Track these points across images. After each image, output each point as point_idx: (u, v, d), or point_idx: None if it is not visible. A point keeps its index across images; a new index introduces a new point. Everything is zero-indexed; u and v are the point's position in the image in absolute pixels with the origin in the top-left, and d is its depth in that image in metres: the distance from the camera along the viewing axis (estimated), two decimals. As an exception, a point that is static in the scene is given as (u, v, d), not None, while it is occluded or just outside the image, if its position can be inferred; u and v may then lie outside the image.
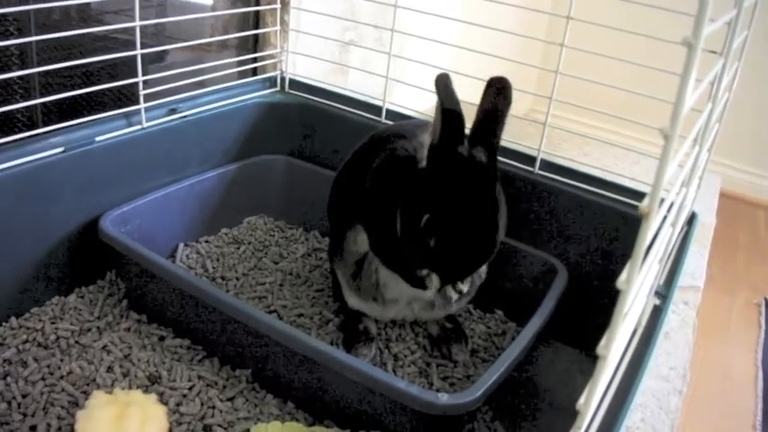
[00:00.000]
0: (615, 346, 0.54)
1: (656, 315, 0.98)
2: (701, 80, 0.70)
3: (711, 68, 0.88)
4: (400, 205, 1.10)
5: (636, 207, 1.27)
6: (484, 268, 1.29)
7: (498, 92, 1.07)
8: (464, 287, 1.11)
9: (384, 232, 1.16)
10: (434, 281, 1.10)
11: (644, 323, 0.95)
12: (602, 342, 0.53)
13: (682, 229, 1.18)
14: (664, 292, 1.03)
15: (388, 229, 1.13)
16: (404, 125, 1.30)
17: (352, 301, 1.29)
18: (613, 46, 1.35)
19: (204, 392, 1.14)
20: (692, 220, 1.25)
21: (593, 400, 0.56)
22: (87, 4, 1.53)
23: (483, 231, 1.04)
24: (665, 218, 0.77)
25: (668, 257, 1.08)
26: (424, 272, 1.10)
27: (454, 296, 1.13)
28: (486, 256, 1.07)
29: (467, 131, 1.06)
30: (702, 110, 0.91)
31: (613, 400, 0.78)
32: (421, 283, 1.13)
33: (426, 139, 1.16)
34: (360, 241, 1.23)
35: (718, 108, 1.00)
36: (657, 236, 0.74)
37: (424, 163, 1.09)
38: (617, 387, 0.80)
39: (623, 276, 0.51)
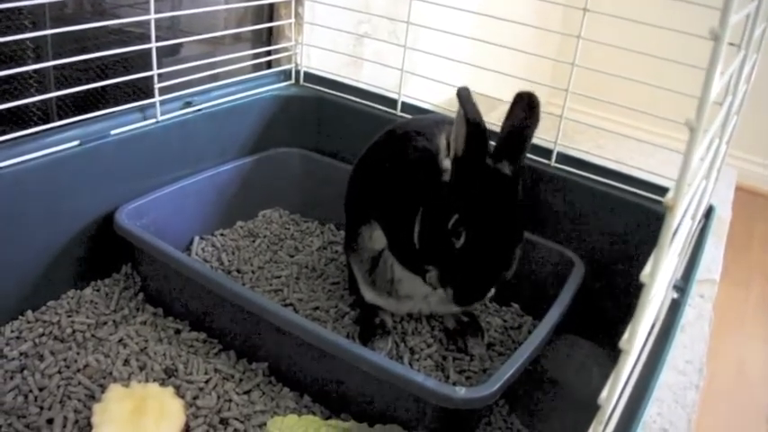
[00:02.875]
0: (637, 340, 0.54)
1: (675, 309, 0.97)
2: (723, 72, 0.69)
3: (730, 61, 0.88)
4: (422, 208, 1.10)
5: (653, 200, 1.28)
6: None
7: (527, 108, 1.07)
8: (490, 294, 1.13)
9: (402, 232, 1.15)
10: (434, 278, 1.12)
11: (662, 317, 0.94)
12: (625, 336, 0.53)
13: (699, 222, 1.18)
14: (682, 286, 1.02)
15: (406, 229, 1.13)
16: (423, 121, 1.29)
17: (368, 295, 1.29)
18: (627, 38, 1.34)
19: (221, 386, 1.14)
20: (709, 213, 1.25)
21: (615, 394, 0.55)
22: (102, -3, 1.53)
23: (508, 237, 1.05)
24: (685, 211, 0.77)
25: (686, 251, 1.08)
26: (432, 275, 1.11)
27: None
28: (509, 262, 1.08)
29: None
30: (722, 102, 0.90)
31: (632, 394, 0.78)
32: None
33: (443, 139, 1.16)
34: (375, 238, 1.23)
35: (737, 101, 0.99)
36: (678, 229, 0.73)
37: (445, 164, 1.10)
38: (636, 381, 0.80)
39: (647, 270, 0.51)
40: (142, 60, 1.37)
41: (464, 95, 1.06)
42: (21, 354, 1.16)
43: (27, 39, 1.33)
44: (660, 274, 0.51)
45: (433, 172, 1.12)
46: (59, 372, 1.13)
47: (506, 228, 1.05)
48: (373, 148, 1.30)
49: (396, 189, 1.18)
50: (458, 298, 1.07)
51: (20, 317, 1.24)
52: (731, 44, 0.95)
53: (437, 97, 1.72)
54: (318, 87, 1.72)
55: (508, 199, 1.05)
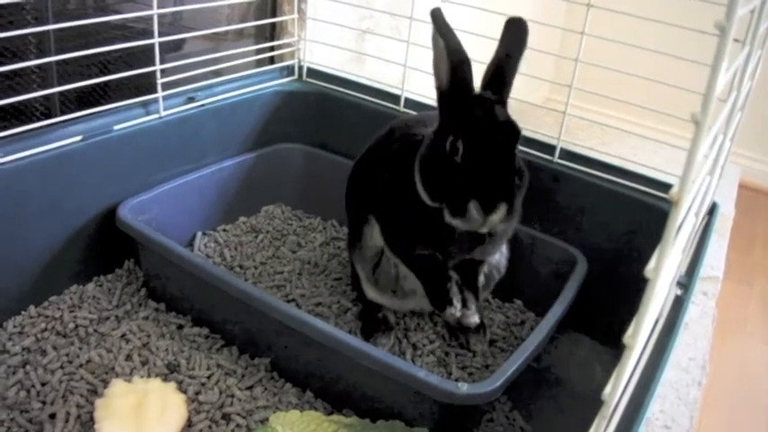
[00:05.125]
0: (642, 335, 0.53)
1: (678, 305, 0.97)
2: (728, 68, 0.69)
3: (735, 57, 0.87)
4: (418, 158, 1.09)
5: (657, 197, 1.27)
6: (504, 262, 1.28)
7: (513, 36, 1.08)
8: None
9: (398, 217, 1.15)
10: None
11: (665, 313, 0.94)
12: (629, 332, 0.53)
13: (702, 219, 1.17)
14: (685, 283, 1.02)
15: (404, 218, 1.12)
16: (421, 116, 1.29)
17: (371, 293, 1.29)
18: (631, 34, 1.34)
19: (223, 381, 1.14)
20: (713, 210, 1.24)
21: (619, 389, 0.55)
22: (105, -8, 1.53)
23: (507, 134, 1.02)
24: (689, 207, 0.77)
25: (690, 247, 1.08)
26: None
27: (473, 319, 1.14)
28: (514, 161, 1.02)
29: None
30: (726, 99, 0.90)
31: (635, 391, 0.77)
32: (442, 303, 1.14)
33: None
34: (377, 235, 1.23)
35: (741, 97, 0.99)
36: (682, 225, 0.73)
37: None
38: (639, 377, 0.80)
39: (651, 265, 0.51)
40: (145, 56, 1.37)
41: (439, 18, 1.04)
42: (23, 349, 1.16)
43: (30, 34, 1.33)
44: (664, 269, 0.51)
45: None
46: (62, 367, 1.13)
47: (502, 128, 1.01)
48: (372, 145, 1.30)
49: (392, 178, 1.17)
50: (482, 202, 0.98)
51: (22, 312, 1.24)
52: (736, 40, 0.95)
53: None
54: (321, 83, 1.72)
55: (498, 110, 1.03)
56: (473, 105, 1.02)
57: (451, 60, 1.02)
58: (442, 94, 1.06)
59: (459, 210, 1.00)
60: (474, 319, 1.14)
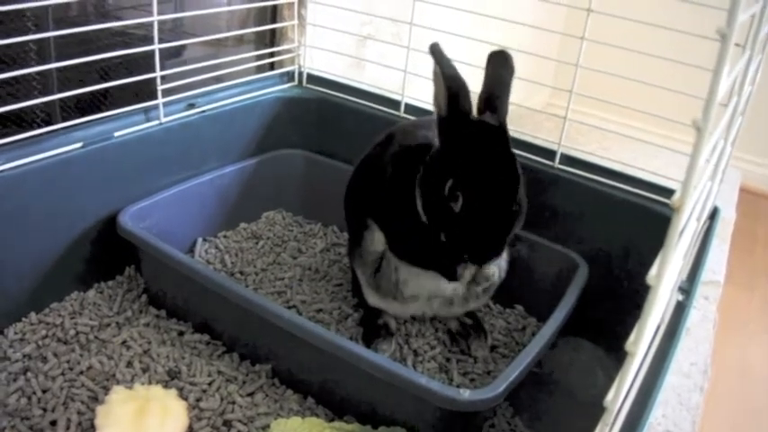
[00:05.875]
0: (643, 342, 0.53)
1: (680, 311, 0.97)
2: (729, 73, 0.69)
3: (736, 62, 0.87)
4: (419, 181, 1.09)
5: (657, 201, 1.27)
6: (504, 265, 1.28)
7: (500, 63, 1.09)
8: (494, 270, 1.12)
9: (403, 227, 1.15)
10: (466, 274, 1.10)
11: (667, 319, 0.94)
12: (631, 339, 0.53)
13: (704, 223, 1.17)
14: (687, 288, 1.02)
15: (406, 222, 1.12)
16: (419, 121, 1.29)
17: (372, 299, 1.28)
18: (632, 39, 1.34)
19: (224, 388, 1.13)
20: (714, 214, 1.24)
21: (621, 396, 0.55)
22: (104, -1, 1.53)
23: (508, 189, 1.02)
24: (690, 212, 0.76)
25: (691, 252, 1.07)
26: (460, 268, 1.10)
27: (483, 284, 1.13)
28: (513, 216, 1.03)
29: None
30: (727, 104, 0.90)
31: (637, 397, 0.77)
32: (453, 274, 1.12)
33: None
34: (377, 240, 1.22)
35: (742, 102, 0.99)
36: (684, 230, 0.73)
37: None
38: (641, 383, 0.80)
39: (653, 271, 0.51)
40: (145, 62, 1.37)
41: (437, 51, 1.05)
42: (24, 356, 1.16)
43: (30, 41, 1.33)
44: (666, 276, 0.51)
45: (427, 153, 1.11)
46: (63, 374, 1.13)
47: (503, 179, 1.01)
48: (370, 152, 1.29)
49: (393, 179, 1.16)
50: (473, 258, 1.04)
51: (23, 319, 1.24)
52: (736, 44, 0.95)
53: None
54: (321, 89, 1.72)
55: (499, 148, 1.03)
56: (473, 139, 1.03)
57: (448, 87, 1.03)
58: (442, 119, 1.07)
59: (449, 274, 1.11)
60: (492, 269, 1.12)
